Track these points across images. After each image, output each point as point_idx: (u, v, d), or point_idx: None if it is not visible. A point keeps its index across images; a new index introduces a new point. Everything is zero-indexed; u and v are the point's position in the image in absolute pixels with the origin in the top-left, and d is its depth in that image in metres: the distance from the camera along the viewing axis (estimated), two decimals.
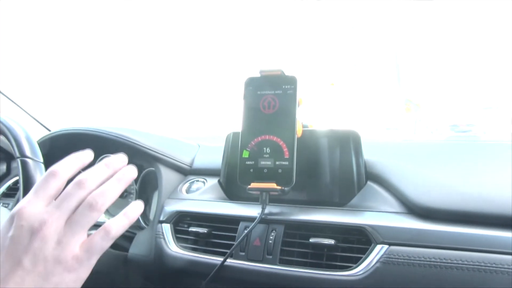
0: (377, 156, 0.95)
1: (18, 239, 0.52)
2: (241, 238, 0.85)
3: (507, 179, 0.82)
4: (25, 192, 0.83)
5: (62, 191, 0.56)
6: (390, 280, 0.73)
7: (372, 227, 0.78)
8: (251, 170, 0.85)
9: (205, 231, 0.92)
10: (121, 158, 0.62)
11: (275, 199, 0.90)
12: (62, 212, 0.54)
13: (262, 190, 0.84)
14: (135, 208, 0.60)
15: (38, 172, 0.87)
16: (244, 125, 0.88)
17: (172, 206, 1.02)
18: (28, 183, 0.84)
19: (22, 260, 0.52)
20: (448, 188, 0.82)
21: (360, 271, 0.75)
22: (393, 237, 0.76)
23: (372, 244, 0.77)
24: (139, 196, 1.24)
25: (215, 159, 1.08)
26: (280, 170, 0.83)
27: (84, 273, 0.54)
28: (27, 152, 0.88)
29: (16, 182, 1.41)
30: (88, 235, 0.56)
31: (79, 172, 0.60)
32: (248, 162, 0.85)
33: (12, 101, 1.58)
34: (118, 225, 0.57)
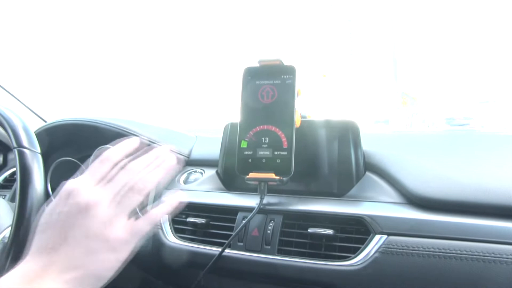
0: (376, 147, 0.95)
1: (68, 215, 0.57)
2: (239, 228, 0.84)
3: (506, 170, 0.82)
4: (22, 183, 0.83)
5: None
6: (388, 270, 0.73)
7: (371, 217, 0.78)
8: (250, 160, 0.85)
9: (203, 222, 0.91)
10: (164, 148, 0.70)
11: (273, 190, 0.90)
12: (109, 193, 0.60)
13: (260, 180, 0.83)
14: (177, 197, 0.68)
15: (35, 163, 0.86)
16: (242, 115, 0.88)
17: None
18: (25, 174, 0.84)
19: (71, 233, 0.56)
20: (447, 178, 0.82)
21: (358, 261, 0.75)
22: (392, 227, 0.76)
23: (371, 234, 0.77)
24: None
25: (213, 150, 1.08)
26: (278, 160, 0.83)
27: (124, 254, 0.58)
28: (24, 142, 0.87)
29: (13, 173, 1.41)
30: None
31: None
32: (246, 152, 0.85)
33: (8, 92, 1.57)
34: (160, 211, 0.65)
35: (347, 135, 0.91)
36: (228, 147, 1.01)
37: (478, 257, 0.68)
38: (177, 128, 1.34)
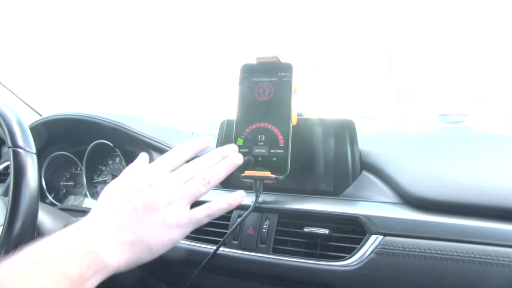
0: (372, 145, 0.95)
1: (138, 188, 0.63)
2: (234, 226, 0.84)
3: (504, 170, 0.82)
4: (16, 182, 0.82)
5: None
6: (384, 271, 0.73)
7: (367, 217, 0.78)
8: (245, 158, 0.84)
9: None
10: (230, 147, 0.76)
11: (269, 188, 0.89)
12: (177, 180, 0.65)
13: (256, 178, 0.83)
14: (236, 196, 0.72)
15: (30, 162, 0.85)
16: (238, 112, 0.87)
17: None
18: (19, 174, 0.83)
19: (136, 202, 0.62)
20: (444, 179, 0.82)
21: (354, 261, 0.75)
22: (388, 228, 0.75)
23: (367, 235, 0.76)
24: None
25: (208, 147, 1.07)
26: (274, 159, 0.82)
27: (178, 235, 0.64)
28: (20, 141, 0.86)
29: (7, 167, 1.40)
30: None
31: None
32: (242, 150, 0.84)
33: (4, 86, 1.56)
34: (218, 207, 0.69)
35: (343, 133, 0.91)
36: (224, 144, 1.00)
37: (474, 259, 0.68)
38: (173, 124, 1.33)
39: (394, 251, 0.72)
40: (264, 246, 0.82)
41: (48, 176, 1.44)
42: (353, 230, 0.79)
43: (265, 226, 0.84)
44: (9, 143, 0.85)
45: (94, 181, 1.41)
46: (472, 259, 0.68)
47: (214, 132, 1.06)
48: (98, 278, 0.56)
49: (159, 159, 0.69)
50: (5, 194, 1.24)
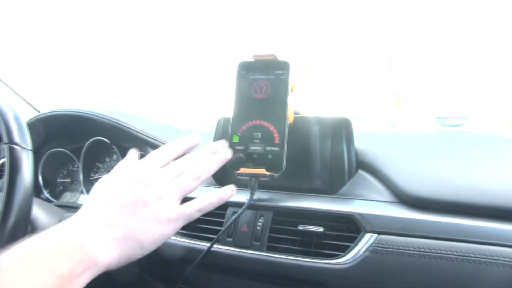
0: (369, 145, 0.94)
1: (129, 183, 0.63)
2: (228, 223, 0.83)
3: (501, 171, 0.82)
4: (10, 179, 0.82)
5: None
6: (378, 269, 0.72)
7: (362, 215, 0.78)
8: (241, 155, 0.84)
9: None
10: (220, 143, 0.77)
11: (264, 185, 0.89)
12: (167, 175, 0.65)
13: (251, 175, 0.82)
14: (227, 191, 0.73)
15: (26, 159, 0.85)
16: (235, 109, 0.87)
17: None
18: (14, 170, 0.83)
19: (126, 197, 0.61)
20: (440, 178, 0.82)
21: (348, 259, 0.74)
22: (383, 226, 0.75)
23: (361, 233, 0.76)
24: None
25: (204, 144, 1.07)
26: (270, 156, 0.82)
27: (169, 230, 0.64)
28: (16, 138, 0.86)
29: (3, 163, 1.40)
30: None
31: None
32: (238, 147, 0.84)
33: (1, 81, 1.56)
34: (208, 201, 0.70)
35: (340, 132, 0.91)
36: None
37: (469, 258, 0.67)
38: (170, 121, 1.33)
39: (389, 249, 0.72)
40: (258, 243, 0.82)
41: (45, 172, 1.43)
42: (347, 228, 0.79)
43: (259, 224, 0.83)
44: (5, 139, 0.85)
45: (91, 178, 1.40)
46: (466, 258, 0.67)
47: (211, 130, 1.06)
48: (89, 275, 0.55)
49: (150, 155, 0.70)
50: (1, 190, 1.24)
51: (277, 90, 0.85)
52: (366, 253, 0.73)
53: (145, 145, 1.17)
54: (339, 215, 0.80)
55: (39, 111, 1.58)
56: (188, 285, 0.89)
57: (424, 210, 0.77)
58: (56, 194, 1.45)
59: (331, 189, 0.88)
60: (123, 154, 1.31)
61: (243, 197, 0.87)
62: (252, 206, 0.85)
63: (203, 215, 0.90)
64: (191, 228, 0.91)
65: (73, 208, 1.20)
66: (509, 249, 0.66)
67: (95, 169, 1.41)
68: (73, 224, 0.59)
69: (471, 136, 1.15)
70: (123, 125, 1.20)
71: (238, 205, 0.85)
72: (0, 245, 0.77)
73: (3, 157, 1.39)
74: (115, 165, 1.37)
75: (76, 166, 1.44)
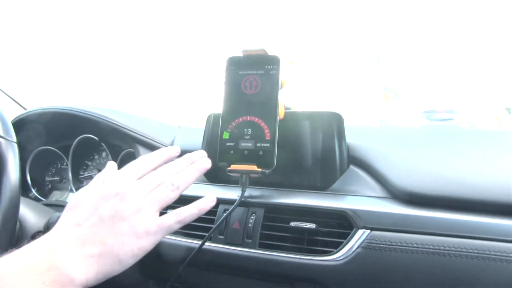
0: (360, 140, 0.94)
1: (104, 196, 0.61)
2: (220, 221, 0.83)
3: (493, 165, 0.82)
4: None
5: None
6: (371, 265, 0.72)
7: (354, 211, 0.77)
8: (231, 152, 0.83)
9: None
10: (199, 153, 0.76)
11: (255, 182, 0.88)
12: (145, 187, 0.64)
13: (242, 172, 0.82)
14: (207, 201, 0.72)
15: (11, 152, 0.84)
16: (225, 105, 0.86)
17: None
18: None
19: (102, 212, 0.59)
20: (432, 173, 0.81)
21: (340, 256, 0.74)
22: (375, 222, 0.75)
23: (354, 229, 0.76)
24: None
25: (195, 141, 1.06)
26: (261, 152, 0.81)
27: (147, 244, 0.62)
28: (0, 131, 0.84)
29: None
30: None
31: None
32: (228, 144, 0.83)
33: None
34: (188, 213, 0.68)
35: (331, 127, 0.90)
36: (211, 138, 0.99)
37: (461, 253, 0.67)
38: (159, 118, 1.32)
39: (381, 245, 0.72)
40: (250, 241, 0.81)
41: (33, 171, 1.42)
42: (340, 224, 0.79)
43: (251, 221, 0.83)
44: None
45: (80, 176, 1.39)
46: (458, 253, 0.67)
47: (201, 127, 1.05)
48: None
49: (126, 166, 0.68)
50: None
51: (268, 85, 0.84)
52: (359, 249, 0.73)
53: (134, 142, 1.15)
54: (331, 211, 0.80)
55: (26, 109, 1.56)
56: (180, 284, 0.89)
57: (416, 205, 0.77)
58: (45, 193, 1.44)
59: (322, 185, 0.88)
60: (112, 151, 1.30)
61: (234, 194, 0.86)
62: (244, 203, 0.85)
63: None
64: (183, 226, 0.91)
65: (62, 207, 1.19)
66: (498, 243, 0.67)
67: (84, 167, 1.40)
68: (47, 243, 0.57)
69: (460, 130, 1.15)
70: (110, 122, 1.19)
71: (230, 202, 0.85)
72: None
73: None
74: (104, 162, 1.37)
75: (65, 164, 1.43)
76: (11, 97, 1.57)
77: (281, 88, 0.84)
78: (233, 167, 0.82)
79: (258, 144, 0.81)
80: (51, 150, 1.40)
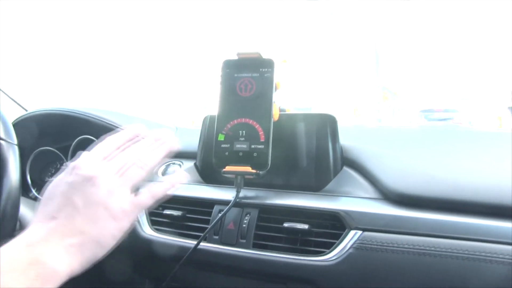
0: (354, 141, 0.95)
1: (74, 184, 0.60)
2: (215, 221, 0.84)
3: (485, 167, 0.83)
4: None
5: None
6: (363, 266, 0.73)
7: (346, 212, 0.78)
8: (226, 153, 0.84)
9: (180, 214, 0.91)
10: (163, 131, 0.73)
11: (250, 183, 0.89)
12: (113, 167, 0.63)
13: (237, 173, 0.83)
14: (179, 176, 0.71)
15: (11, 154, 0.85)
16: (220, 108, 0.87)
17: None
18: (0, 165, 0.82)
19: (75, 200, 0.58)
20: (424, 174, 0.82)
21: (333, 256, 0.75)
22: (367, 223, 0.76)
23: (346, 230, 0.77)
24: None
25: (192, 142, 1.07)
26: (255, 154, 0.82)
27: (125, 223, 0.61)
28: (1, 133, 0.85)
29: None
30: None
31: None
32: (223, 145, 0.84)
33: None
34: (161, 187, 0.67)
35: (325, 129, 0.91)
36: (207, 140, 1.00)
37: (452, 254, 0.68)
38: (157, 119, 1.33)
39: (373, 246, 0.73)
40: (244, 241, 0.82)
41: (33, 171, 1.43)
42: (333, 225, 0.80)
43: (245, 221, 0.84)
44: None
45: None
46: (449, 254, 0.68)
47: (198, 128, 1.06)
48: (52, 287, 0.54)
49: (92, 150, 0.66)
50: None
51: (262, 88, 0.85)
52: (351, 250, 0.74)
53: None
54: (324, 212, 0.81)
55: (26, 110, 1.58)
56: (176, 283, 0.90)
57: (408, 206, 0.77)
58: None
59: (316, 186, 0.89)
60: None
61: (229, 195, 0.87)
62: (238, 203, 0.86)
63: (189, 213, 0.91)
64: (178, 226, 0.92)
65: None
66: (489, 245, 0.68)
67: None
68: (25, 239, 0.56)
69: (455, 131, 1.16)
70: (108, 123, 1.20)
71: (225, 203, 0.86)
72: None
73: None
74: None
75: (64, 164, 1.44)
76: (12, 98, 1.59)
77: (275, 90, 0.85)
78: (228, 168, 0.83)
79: (253, 146, 0.83)
80: (50, 151, 1.41)
